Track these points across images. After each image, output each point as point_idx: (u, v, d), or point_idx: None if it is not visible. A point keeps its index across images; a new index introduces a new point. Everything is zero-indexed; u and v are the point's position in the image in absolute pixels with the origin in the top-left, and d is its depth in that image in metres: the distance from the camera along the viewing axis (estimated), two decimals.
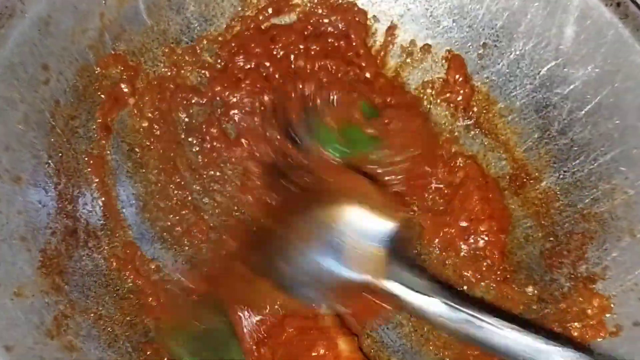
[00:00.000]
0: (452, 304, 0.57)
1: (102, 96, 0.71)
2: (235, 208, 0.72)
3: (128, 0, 0.70)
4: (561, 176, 0.71)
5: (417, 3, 0.76)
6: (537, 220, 0.72)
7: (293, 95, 0.71)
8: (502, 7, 0.72)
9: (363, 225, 0.59)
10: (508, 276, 0.72)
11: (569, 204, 0.70)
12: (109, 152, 0.71)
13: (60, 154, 0.67)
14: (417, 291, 0.58)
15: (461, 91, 0.75)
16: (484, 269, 0.72)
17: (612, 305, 0.65)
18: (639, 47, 0.65)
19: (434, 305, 0.58)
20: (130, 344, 0.66)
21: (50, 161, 0.67)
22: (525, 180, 0.73)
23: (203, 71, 0.75)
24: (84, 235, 0.68)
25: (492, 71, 0.75)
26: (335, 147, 0.68)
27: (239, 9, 0.76)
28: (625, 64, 0.66)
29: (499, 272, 0.71)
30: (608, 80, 0.67)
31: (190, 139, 0.74)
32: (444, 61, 0.76)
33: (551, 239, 0.71)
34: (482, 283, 0.72)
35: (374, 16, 0.77)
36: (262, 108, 0.72)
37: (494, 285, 0.72)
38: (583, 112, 0.70)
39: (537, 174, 0.73)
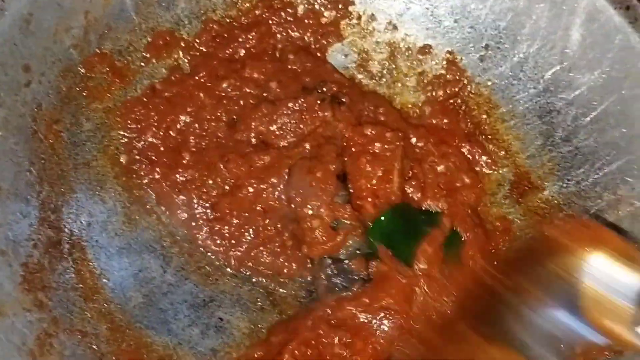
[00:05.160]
0: None
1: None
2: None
3: None
4: (564, 185, 0.69)
5: (418, 1, 0.74)
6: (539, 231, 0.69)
7: None
8: (506, 7, 0.70)
9: (607, 276, 0.52)
10: None
11: (572, 215, 0.68)
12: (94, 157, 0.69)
13: (42, 161, 0.65)
14: None
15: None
16: None
17: None
18: None
19: None
20: None
21: (32, 168, 0.64)
22: (527, 188, 0.71)
23: None
24: (68, 247, 0.65)
25: (494, 74, 0.73)
26: None
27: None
28: (634, 70, 0.64)
29: None
30: (615, 87, 0.65)
31: None
32: (444, 62, 0.74)
33: None
34: None
35: (372, 15, 0.75)
36: None
37: None
38: (588, 118, 0.68)
39: (539, 182, 0.70)
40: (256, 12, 0.74)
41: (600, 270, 0.52)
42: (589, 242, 0.54)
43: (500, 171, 0.72)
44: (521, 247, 0.67)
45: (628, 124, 0.65)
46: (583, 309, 0.53)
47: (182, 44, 0.72)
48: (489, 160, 0.72)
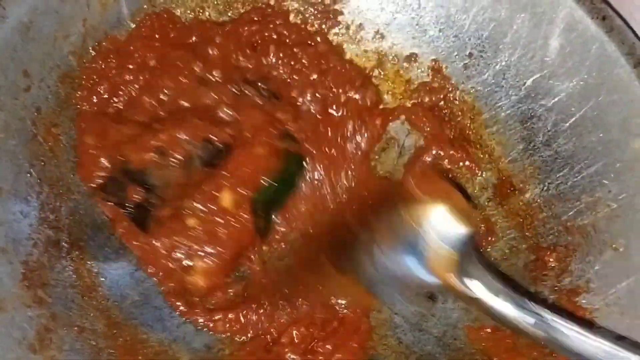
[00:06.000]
0: (525, 306, 0.58)
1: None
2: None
3: (111, 5, 0.69)
4: (545, 188, 0.72)
5: (404, 12, 0.76)
6: (521, 232, 0.72)
7: None
8: (488, 17, 0.72)
9: (444, 227, 0.58)
10: None
11: (552, 216, 0.71)
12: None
13: (42, 163, 0.66)
14: (491, 293, 0.59)
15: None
16: None
17: (595, 319, 0.66)
18: (624, 61, 0.65)
19: (507, 308, 0.58)
20: (114, 357, 0.65)
21: (32, 170, 0.65)
22: (509, 191, 0.73)
23: None
24: (67, 246, 0.67)
25: (477, 81, 0.75)
26: None
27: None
28: (610, 78, 0.66)
29: None
30: (592, 94, 0.68)
31: None
32: (430, 70, 0.76)
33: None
34: None
35: (360, 24, 0.77)
36: None
37: None
38: (567, 124, 0.70)
39: (521, 185, 0.73)
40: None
41: (440, 222, 0.58)
42: (435, 195, 0.60)
43: (484, 175, 0.75)
44: (379, 190, 0.72)
45: (605, 129, 0.68)
46: (427, 258, 0.59)
47: None
48: (473, 165, 0.74)
